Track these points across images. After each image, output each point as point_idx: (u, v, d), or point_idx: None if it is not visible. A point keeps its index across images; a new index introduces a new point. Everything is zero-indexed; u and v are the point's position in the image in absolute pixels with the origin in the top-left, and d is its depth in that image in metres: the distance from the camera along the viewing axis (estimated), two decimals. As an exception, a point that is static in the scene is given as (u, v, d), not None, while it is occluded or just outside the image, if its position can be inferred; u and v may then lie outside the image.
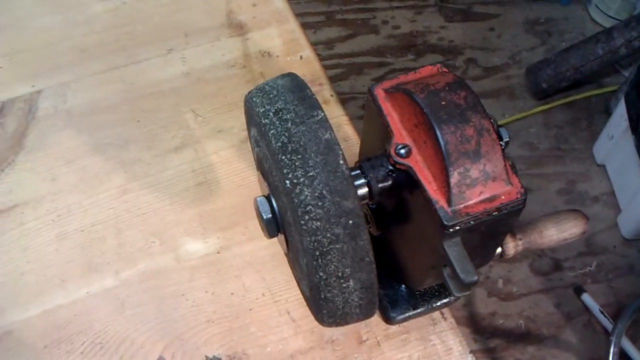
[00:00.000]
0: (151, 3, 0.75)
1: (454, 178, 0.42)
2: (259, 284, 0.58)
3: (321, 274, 0.38)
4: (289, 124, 0.38)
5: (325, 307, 0.40)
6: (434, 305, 0.57)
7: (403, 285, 0.57)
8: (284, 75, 0.43)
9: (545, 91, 1.81)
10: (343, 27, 1.99)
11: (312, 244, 0.37)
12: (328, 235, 0.37)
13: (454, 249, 0.43)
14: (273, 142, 0.38)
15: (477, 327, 1.53)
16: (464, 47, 1.95)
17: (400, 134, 0.45)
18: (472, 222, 0.42)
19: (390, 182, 0.45)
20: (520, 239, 0.60)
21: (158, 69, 0.71)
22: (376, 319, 0.57)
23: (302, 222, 0.37)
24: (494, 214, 0.43)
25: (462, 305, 1.56)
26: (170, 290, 0.58)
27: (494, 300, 1.57)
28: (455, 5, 2.04)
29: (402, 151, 0.44)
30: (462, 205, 0.42)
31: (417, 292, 0.57)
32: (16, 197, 0.62)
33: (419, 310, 0.57)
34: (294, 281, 0.57)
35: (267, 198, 0.43)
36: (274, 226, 0.43)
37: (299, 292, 0.56)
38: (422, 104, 0.43)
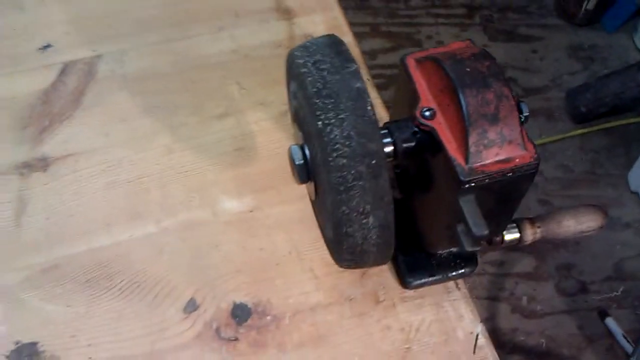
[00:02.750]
0: (207, -15, 0.81)
1: (473, 138, 0.45)
2: (287, 243, 0.62)
3: (344, 208, 0.42)
4: (325, 73, 0.42)
5: (346, 242, 0.44)
6: (450, 274, 0.60)
7: (423, 254, 0.61)
8: (324, 35, 0.47)
9: (583, 115, 1.82)
10: (387, 39, 2.04)
11: (337, 179, 0.41)
12: (353, 172, 0.41)
13: (468, 205, 0.46)
14: (309, 87, 0.42)
15: (498, 342, 1.53)
16: (505, 66, 1.97)
17: (427, 99, 0.49)
18: (487, 180, 0.46)
19: (414, 143, 0.49)
20: (539, 227, 0.63)
21: (208, 44, 0.76)
22: (394, 283, 0.61)
23: (330, 159, 0.41)
24: (508, 174, 0.46)
25: (485, 318, 1.58)
26: (205, 241, 0.63)
27: (517, 317, 1.58)
28: (501, 25, 2.07)
29: (427, 113, 0.48)
30: (478, 164, 0.46)
31: (434, 262, 0.60)
32: (72, 147, 0.68)
33: (435, 277, 0.60)
34: (320, 242, 0.61)
35: (301, 147, 0.48)
36: (304, 172, 0.47)
37: (323, 252, 0.60)
38: (448, 69, 0.47)
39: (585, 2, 1.94)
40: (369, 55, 2.00)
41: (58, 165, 0.67)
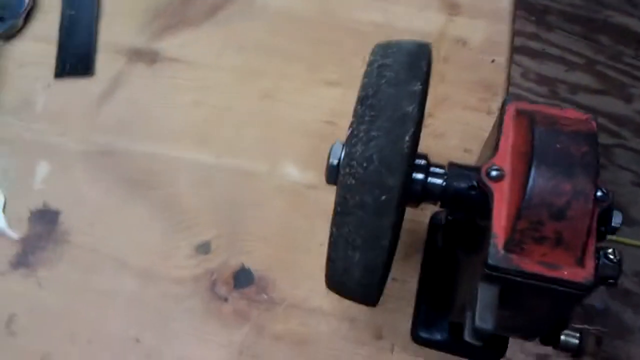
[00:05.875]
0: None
1: (522, 223, 0.37)
2: (326, 233, 0.58)
3: (334, 229, 0.37)
4: (383, 81, 0.37)
5: (328, 265, 0.39)
6: (465, 350, 0.53)
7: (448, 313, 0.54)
8: (416, 41, 0.41)
9: None
10: (597, 80, 1.83)
11: (340, 197, 0.36)
12: (357, 197, 0.35)
13: (486, 293, 0.39)
14: (360, 89, 0.37)
15: None
16: None
17: (503, 157, 0.41)
18: (517, 278, 0.38)
19: (465, 197, 0.42)
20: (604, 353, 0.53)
21: (360, 8, 0.71)
22: (405, 328, 0.55)
23: (342, 173, 0.36)
24: (547, 284, 0.38)
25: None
26: (252, 194, 0.61)
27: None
28: None
29: (494, 173, 0.40)
30: (516, 255, 0.38)
31: (456, 328, 0.53)
32: (183, 53, 0.68)
33: (447, 344, 0.53)
34: None
35: (343, 145, 0.43)
36: (333, 174, 0.42)
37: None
38: (537, 135, 0.39)
39: None
40: (569, 86, 1.82)
41: (163, 65, 0.67)
